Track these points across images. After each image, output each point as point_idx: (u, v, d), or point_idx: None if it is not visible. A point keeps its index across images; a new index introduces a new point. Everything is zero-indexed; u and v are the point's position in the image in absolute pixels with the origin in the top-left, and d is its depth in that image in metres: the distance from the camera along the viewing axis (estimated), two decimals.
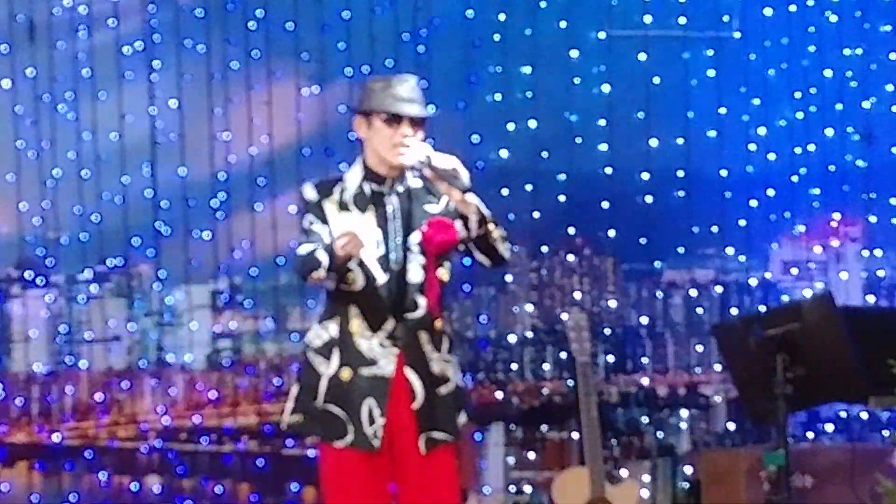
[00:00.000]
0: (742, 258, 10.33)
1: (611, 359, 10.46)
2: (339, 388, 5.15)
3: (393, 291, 5.14)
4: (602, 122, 9.91)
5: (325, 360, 5.18)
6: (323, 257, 5.02)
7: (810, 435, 9.82)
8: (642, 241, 9.93)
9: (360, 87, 5.28)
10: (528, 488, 10.08)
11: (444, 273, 5.23)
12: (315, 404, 5.17)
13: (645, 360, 10.59)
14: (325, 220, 5.18)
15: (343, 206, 5.19)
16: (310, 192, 5.22)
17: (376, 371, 5.14)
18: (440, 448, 5.20)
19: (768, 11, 10.06)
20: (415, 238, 5.18)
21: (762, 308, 9.91)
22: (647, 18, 10.00)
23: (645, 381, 10.48)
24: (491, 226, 5.12)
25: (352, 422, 5.13)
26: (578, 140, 9.91)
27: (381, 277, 5.13)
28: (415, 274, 5.16)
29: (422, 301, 5.17)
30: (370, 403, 5.12)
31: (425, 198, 5.23)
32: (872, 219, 10.10)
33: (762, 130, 10.03)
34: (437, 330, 5.21)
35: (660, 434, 10.37)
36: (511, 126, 9.83)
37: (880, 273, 10.29)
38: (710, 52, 10.11)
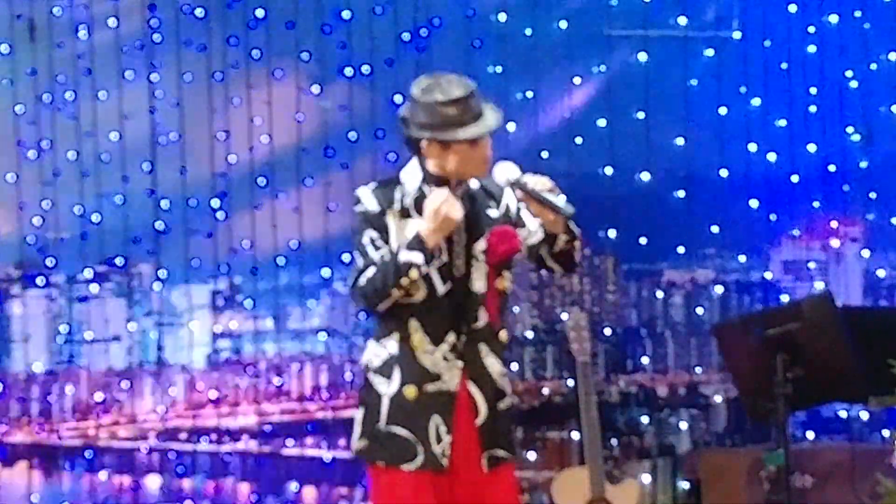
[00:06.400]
0: (742, 258, 10.34)
1: (611, 359, 10.46)
2: (402, 407, 4.82)
3: (454, 302, 4.82)
4: (602, 122, 9.91)
5: (386, 379, 4.84)
6: (412, 256, 4.69)
7: (810, 435, 9.82)
8: (642, 241, 9.92)
9: (424, 110, 4.70)
10: (528, 488, 10.07)
11: (501, 282, 4.92)
12: (379, 427, 4.85)
13: (645, 360, 10.59)
14: (388, 237, 4.81)
15: (405, 213, 4.82)
16: (371, 203, 4.83)
17: (441, 386, 4.82)
18: (502, 466, 4.92)
19: (768, 11, 10.06)
20: (479, 246, 4.87)
21: (762, 308, 9.92)
22: (647, 18, 10.00)
23: (645, 381, 10.48)
24: (577, 243, 4.87)
25: (420, 442, 4.81)
26: (578, 140, 9.91)
27: (442, 287, 4.82)
28: (479, 283, 4.85)
29: (483, 311, 4.86)
30: (437, 421, 4.81)
31: (486, 202, 4.91)
32: (872, 218, 10.11)
33: (762, 130, 10.03)
34: (499, 342, 4.93)
35: (660, 434, 10.37)
36: (511, 126, 9.82)
37: (880, 273, 10.30)
38: (710, 52, 10.11)
